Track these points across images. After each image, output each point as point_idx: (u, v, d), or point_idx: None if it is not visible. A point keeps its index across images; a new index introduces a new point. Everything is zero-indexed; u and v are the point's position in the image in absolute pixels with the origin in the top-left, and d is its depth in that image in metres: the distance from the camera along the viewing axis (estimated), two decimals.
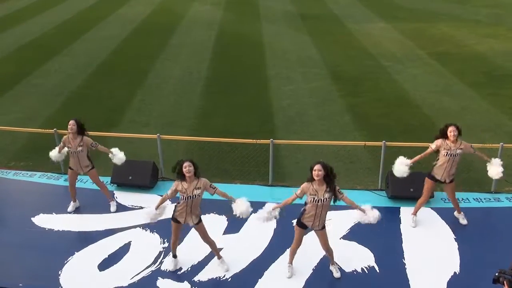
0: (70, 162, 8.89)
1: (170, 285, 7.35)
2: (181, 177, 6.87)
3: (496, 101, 14.62)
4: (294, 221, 8.54)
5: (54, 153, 9.04)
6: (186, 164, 6.78)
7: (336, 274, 7.44)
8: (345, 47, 21.13)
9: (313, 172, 6.67)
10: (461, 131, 7.96)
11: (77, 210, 9.24)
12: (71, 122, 8.63)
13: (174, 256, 7.73)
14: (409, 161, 8.26)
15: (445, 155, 7.97)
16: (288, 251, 7.91)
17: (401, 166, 8.29)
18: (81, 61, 19.61)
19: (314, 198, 6.76)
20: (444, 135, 7.98)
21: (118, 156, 9.01)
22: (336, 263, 7.54)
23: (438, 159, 8.11)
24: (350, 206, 7.05)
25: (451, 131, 7.87)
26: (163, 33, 24.07)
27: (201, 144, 10.93)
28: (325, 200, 6.75)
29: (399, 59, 19.15)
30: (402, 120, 13.48)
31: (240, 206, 7.11)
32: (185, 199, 6.94)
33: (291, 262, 7.52)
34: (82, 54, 20.77)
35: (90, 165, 8.94)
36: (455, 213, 8.69)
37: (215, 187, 7.06)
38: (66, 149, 8.88)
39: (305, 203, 6.99)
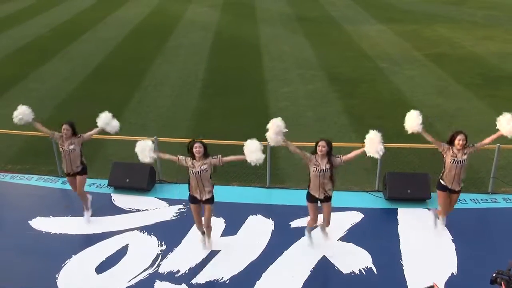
0: (63, 164, 8.66)
1: None
2: (192, 155, 7.44)
3: (492, 102, 14.66)
4: (292, 223, 8.67)
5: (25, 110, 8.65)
6: (196, 145, 7.40)
7: (325, 238, 8.05)
8: (342, 48, 21.17)
9: (318, 148, 7.42)
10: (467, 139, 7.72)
11: (75, 213, 9.16)
12: (65, 126, 8.34)
13: (202, 233, 8.09)
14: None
15: (451, 162, 7.75)
16: (285, 252, 7.96)
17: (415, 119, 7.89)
18: (78, 63, 19.59)
19: (316, 168, 7.44)
20: (451, 143, 7.75)
21: (110, 124, 8.46)
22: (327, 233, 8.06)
23: (445, 167, 7.88)
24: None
25: (459, 140, 7.64)
26: (160, 35, 24.07)
27: None
28: (326, 170, 7.42)
29: (395, 60, 19.20)
30: (398, 121, 13.32)
31: (251, 152, 7.37)
32: (194, 174, 7.44)
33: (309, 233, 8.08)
34: (79, 56, 20.75)
35: (80, 166, 8.57)
36: (441, 216, 8.35)
37: (217, 156, 7.51)
38: (46, 130, 8.59)
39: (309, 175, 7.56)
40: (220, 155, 7.54)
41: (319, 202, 7.67)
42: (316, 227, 8.06)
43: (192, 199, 7.68)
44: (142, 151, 7.48)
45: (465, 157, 7.72)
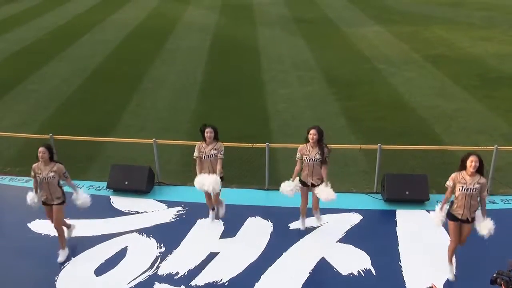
0: (42, 194, 7.78)
1: None
2: (203, 138, 8.10)
3: (490, 103, 14.70)
4: (291, 224, 8.67)
5: (31, 197, 7.84)
6: (208, 129, 8.06)
7: (317, 222, 8.51)
8: (340, 50, 21.20)
9: (309, 136, 7.73)
10: (482, 166, 6.86)
11: (73, 215, 9.09)
12: (41, 149, 7.62)
13: (212, 209, 8.72)
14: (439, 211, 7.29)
15: (459, 190, 6.89)
16: (284, 254, 7.97)
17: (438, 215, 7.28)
18: (76, 66, 19.59)
19: (307, 157, 7.84)
20: (463, 166, 6.89)
21: (80, 198, 8.01)
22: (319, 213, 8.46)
23: (456, 198, 7.06)
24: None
25: (472, 161, 6.74)
26: (158, 38, 24.08)
27: None
28: (316, 160, 7.82)
29: (393, 62, 19.23)
30: (397, 123, 13.52)
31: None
32: (205, 158, 8.08)
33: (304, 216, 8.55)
34: (77, 59, 20.74)
35: (62, 197, 7.79)
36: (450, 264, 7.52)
37: (222, 157, 8.11)
38: (34, 182, 7.81)
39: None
40: (221, 163, 8.15)
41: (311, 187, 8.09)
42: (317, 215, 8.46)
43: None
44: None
45: (477, 186, 6.84)
